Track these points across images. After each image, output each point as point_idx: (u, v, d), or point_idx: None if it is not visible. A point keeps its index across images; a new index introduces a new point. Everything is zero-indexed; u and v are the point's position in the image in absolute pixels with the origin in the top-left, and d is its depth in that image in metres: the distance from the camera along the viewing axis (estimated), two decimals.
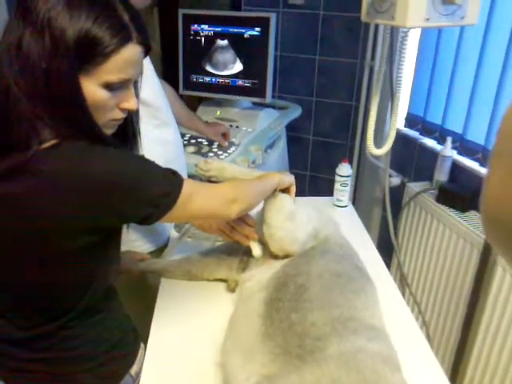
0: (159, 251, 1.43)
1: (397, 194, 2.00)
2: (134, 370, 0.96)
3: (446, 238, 1.68)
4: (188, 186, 0.84)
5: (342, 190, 1.64)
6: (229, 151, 2.01)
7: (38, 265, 0.78)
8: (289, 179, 1.20)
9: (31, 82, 0.69)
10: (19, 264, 0.78)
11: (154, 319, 1.12)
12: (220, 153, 2.00)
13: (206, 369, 0.98)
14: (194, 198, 0.86)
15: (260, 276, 1.09)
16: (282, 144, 2.39)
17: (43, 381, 0.87)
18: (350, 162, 1.64)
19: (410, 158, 2.03)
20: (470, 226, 1.57)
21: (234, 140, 2.09)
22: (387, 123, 2.12)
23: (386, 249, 2.01)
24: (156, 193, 0.80)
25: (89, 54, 0.71)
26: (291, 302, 0.91)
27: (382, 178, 2.25)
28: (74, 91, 0.72)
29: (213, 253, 1.29)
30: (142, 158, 0.81)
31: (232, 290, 1.21)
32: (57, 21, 0.68)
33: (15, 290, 0.82)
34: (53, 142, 0.72)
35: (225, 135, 2.05)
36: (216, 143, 2.05)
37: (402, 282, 1.93)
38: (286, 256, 1.11)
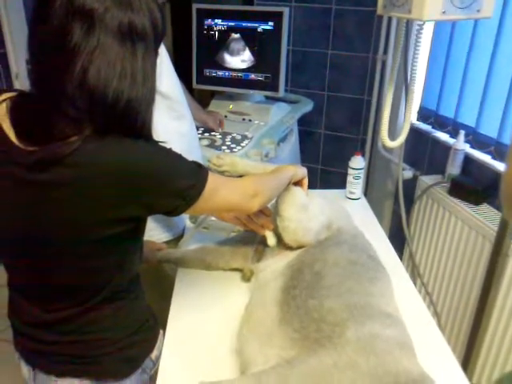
0: (175, 241, 1.46)
1: (409, 187, 2.01)
2: (154, 355, 0.99)
3: (458, 230, 1.69)
4: (212, 180, 0.87)
5: (355, 183, 1.66)
6: (242, 144, 2.03)
7: (66, 252, 0.81)
8: (302, 172, 1.22)
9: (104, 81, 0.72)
10: (49, 251, 0.81)
11: (171, 307, 1.15)
12: (233, 146, 2.02)
13: (222, 354, 1.00)
14: (218, 192, 0.88)
15: (275, 265, 1.11)
16: (294, 138, 2.41)
17: (66, 363, 0.90)
18: (362, 156, 1.66)
19: (423, 152, 2.04)
20: (482, 219, 1.58)
21: (246, 133, 2.11)
22: (400, 116, 2.12)
23: (398, 241, 2.02)
24: (183, 185, 0.82)
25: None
26: (308, 288, 0.93)
27: (393, 171, 2.27)
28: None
29: (228, 243, 1.32)
30: (170, 150, 0.83)
31: (247, 279, 1.24)
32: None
33: (44, 275, 0.85)
34: (88, 135, 0.74)
35: (221, 123, 2.19)
36: (229, 136, 2.08)
37: (414, 273, 1.94)
38: (300, 247, 1.13)
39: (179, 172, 0.83)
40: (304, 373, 0.75)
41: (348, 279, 0.95)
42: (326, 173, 2.72)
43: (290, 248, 1.15)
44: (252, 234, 1.30)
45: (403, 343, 0.82)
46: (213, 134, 2.11)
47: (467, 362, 1.59)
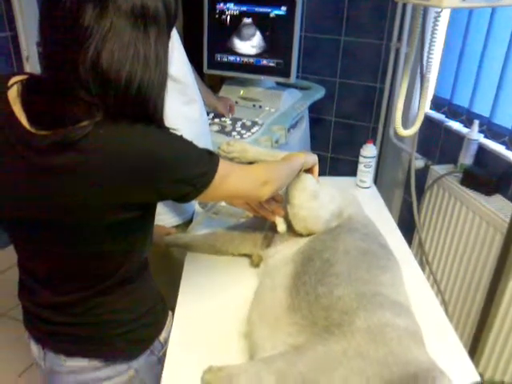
0: (184, 226, 1.46)
1: (420, 176, 1.99)
2: (162, 337, 1.00)
3: (469, 220, 1.68)
4: (223, 167, 0.86)
5: (366, 171, 1.65)
6: (252, 130, 2.02)
7: (77, 237, 0.81)
8: (313, 159, 1.21)
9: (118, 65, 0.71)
10: (62, 234, 0.81)
11: (180, 290, 1.16)
12: (243, 132, 2.01)
13: (230, 338, 1.01)
14: (229, 179, 0.88)
15: (284, 252, 1.11)
16: (305, 125, 2.39)
17: (75, 343, 0.91)
18: (374, 144, 1.64)
19: (435, 141, 2.02)
20: (494, 210, 1.57)
21: (257, 119, 2.10)
22: (413, 105, 2.10)
23: (407, 230, 2.00)
24: (194, 172, 0.82)
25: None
26: (317, 275, 0.93)
27: (404, 161, 2.25)
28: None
29: (238, 228, 1.32)
30: (182, 137, 0.83)
31: (256, 265, 1.24)
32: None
33: (55, 258, 0.85)
34: (100, 120, 0.74)
35: (231, 108, 2.18)
36: (239, 122, 2.06)
37: (423, 261, 1.93)
38: (310, 234, 1.13)
39: (190, 159, 0.82)
40: (312, 360, 0.75)
41: (358, 268, 0.95)
42: (335, 160, 2.70)
43: (299, 235, 1.14)
44: (262, 220, 1.29)
45: (413, 333, 0.81)
46: (223, 119, 2.10)
47: (474, 351, 1.58)
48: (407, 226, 2.05)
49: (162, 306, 1.03)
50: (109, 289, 0.88)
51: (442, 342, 0.97)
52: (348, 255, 0.98)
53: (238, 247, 1.28)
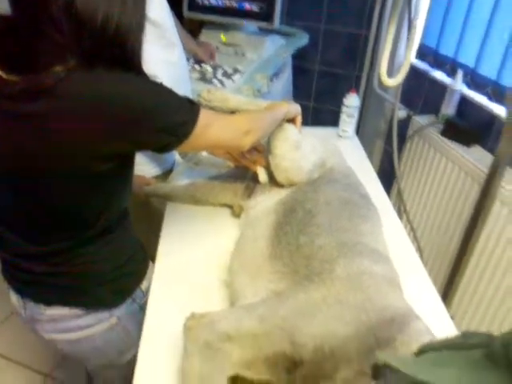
0: (164, 176, 1.44)
1: (402, 126, 1.99)
2: (144, 286, 1.00)
3: (448, 171, 1.70)
4: (205, 116, 0.84)
5: (348, 121, 1.63)
6: (233, 78, 1.96)
7: (54, 187, 0.79)
8: (295, 109, 1.19)
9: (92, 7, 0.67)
10: (38, 184, 0.79)
11: (161, 241, 1.16)
12: (225, 80, 1.95)
13: (212, 286, 1.02)
14: (210, 128, 0.86)
15: (266, 203, 1.11)
16: (288, 73, 2.33)
17: (56, 293, 0.91)
18: (356, 94, 1.62)
19: (418, 91, 2.00)
20: (473, 161, 1.58)
21: (238, 67, 2.03)
22: (398, 53, 2.06)
23: (387, 180, 2.02)
24: (175, 121, 0.80)
25: None
26: (299, 225, 0.93)
27: (387, 111, 2.23)
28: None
29: (218, 178, 1.31)
30: (161, 85, 0.79)
31: (237, 215, 1.24)
32: None
33: (33, 210, 0.83)
34: (74, 65, 0.70)
35: (212, 54, 2.11)
36: (220, 69, 2.00)
37: (401, 210, 1.96)
38: (292, 185, 1.12)
39: (170, 107, 0.79)
40: (293, 306, 0.76)
41: (339, 217, 0.95)
42: (318, 110, 2.66)
43: (281, 186, 1.14)
44: (243, 171, 1.28)
45: (390, 279, 0.83)
46: (203, 66, 2.03)
47: (446, 295, 1.65)
48: (387, 176, 2.07)
49: (142, 255, 1.03)
50: (89, 239, 0.87)
51: (416, 287, 1.00)
52: (329, 206, 0.98)
53: (219, 197, 1.28)
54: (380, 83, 2.13)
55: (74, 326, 0.93)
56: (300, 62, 2.50)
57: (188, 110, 0.82)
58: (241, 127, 0.95)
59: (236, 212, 1.24)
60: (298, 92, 2.54)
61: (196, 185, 1.31)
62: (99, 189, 0.82)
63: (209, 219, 1.26)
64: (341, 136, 1.66)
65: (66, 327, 0.94)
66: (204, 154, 1.41)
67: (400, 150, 1.98)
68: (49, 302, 0.91)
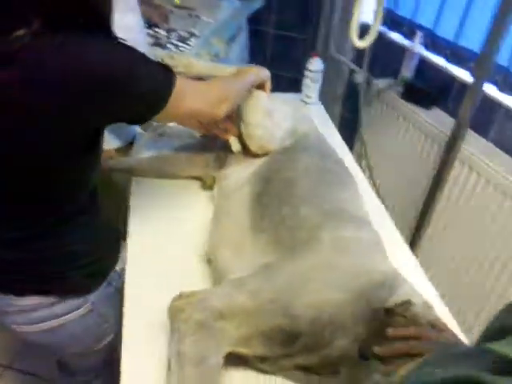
0: (125, 148, 1.36)
1: (361, 90, 1.98)
2: (118, 267, 0.95)
3: (409, 133, 1.72)
4: (180, 83, 0.78)
5: (312, 87, 1.61)
6: (189, 43, 1.87)
7: (21, 166, 0.71)
8: (264, 74, 1.16)
9: None
10: (5, 163, 0.71)
11: (130, 220, 1.10)
12: (180, 44, 1.85)
13: (189, 264, 0.99)
14: (185, 97, 0.80)
15: (240, 173, 1.07)
16: (243, 37, 2.26)
17: (27, 281, 0.85)
18: (320, 57, 1.59)
19: (376, 54, 1.99)
20: (432, 123, 1.61)
21: (193, 30, 1.94)
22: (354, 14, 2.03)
23: (348, 144, 2.04)
24: (150, 90, 0.74)
25: None
26: (280, 196, 0.91)
27: (344, 75, 2.22)
28: None
29: (186, 150, 1.25)
30: (134, 49, 0.72)
31: (208, 187, 1.20)
32: None
33: (7, 189, 0.75)
34: (39, 28, 0.62)
35: (165, 18, 2.00)
36: (175, 34, 1.90)
37: (363, 169, 1.98)
38: (265, 154, 1.09)
39: (144, 75, 0.73)
40: (283, 278, 0.74)
41: (319, 186, 0.94)
42: (274, 77, 2.60)
43: (254, 155, 1.11)
44: (211, 140, 1.24)
45: (376, 244, 0.84)
46: (156, 30, 1.92)
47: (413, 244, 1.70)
48: (347, 141, 2.07)
49: (115, 236, 0.98)
50: (63, 221, 0.81)
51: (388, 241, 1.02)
52: (308, 174, 0.97)
53: (188, 170, 1.23)
54: (334, 47, 2.11)
55: (49, 315, 0.88)
56: (255, 25, 2.42)
57: (163, 76, 0.76)
58: (215, 95, 0.90)
59: (207, 184, 1.20)
60: (254, 57, 2.48)
61: (162, 157, 1.25)
62: (70, 167, 0.76)
63: (178, 193, 1.21)
64: (305, 102, 1.63)
65: (39, 317, 0.88)
66: (170, 124, 1.34)
67: (359, 113, 1.98)
68: (20, 292, 0.84)
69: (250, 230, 0.88)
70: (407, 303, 0.70)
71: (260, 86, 1.15)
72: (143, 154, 1.31)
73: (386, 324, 0.68)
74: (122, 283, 0.94)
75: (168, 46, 1.84)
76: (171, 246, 1.04)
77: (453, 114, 1.60)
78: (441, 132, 1.56)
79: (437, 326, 0.70)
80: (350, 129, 2.01)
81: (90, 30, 0.66)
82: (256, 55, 2.51)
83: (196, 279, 0.96)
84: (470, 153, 1.44)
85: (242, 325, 0.71)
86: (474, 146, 1.45)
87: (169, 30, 1.91)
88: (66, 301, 0.88)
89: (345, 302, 0.71)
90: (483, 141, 1.47)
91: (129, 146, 1.37)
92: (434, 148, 1.62)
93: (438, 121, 1.61)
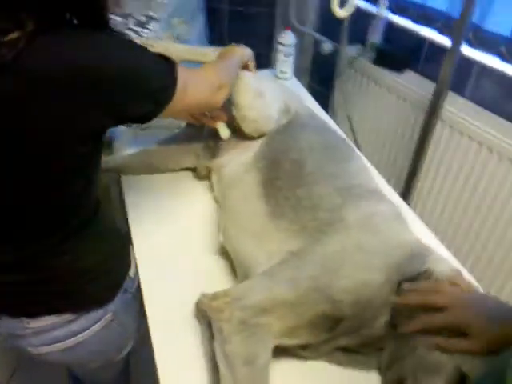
0: (106, 146, 1.29)
1: (329, 60, 1.96)
2: (132, 272, 0.91)
3: (386, 99, 1.73)
4: (181, 75, 0.74)
5: (286, 61, 1.58)
6: (149, 27, 1.78)
7: (30, 179, 0.66)
8: (248, 53, 1.12)
9: None
10: (12, 178, 0.65)
11: (130, 220, 1.05)
12: (139, 30, 1.76)
13: (203, 257, 0.96)
14: (188, 89, 0.76)
15: (240, 159, 1.04)
16: (202, 16, 2.18)
17: (41, 302, 0.79)
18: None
19: (340, 22, 1.97)
20: (409, 85, 1.62)
21: (151, 14, 1.84)
22: None
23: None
24: (155, 86, 0.70)
25: None
26: (291, 178, 0.88)
27: (309, 46, 2.19)
28: None
29: (174, 141, 1.20)
30: (135, 43, 0.67)
31: (203, 177, 1.16)
32: None
33: (7, 211, 0.69)
34: (34, 29, 0.56)
35: (118, 2, 1.86)
36: (131, 19, 1.80)
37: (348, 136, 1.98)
38: (261, 136, 1.06)
39: (149, 70, 0.69)
40: (316, 263, 0.73)
41: (327, 163, 0.92)
42: None
43: (249, 139, 1.07)
44: (197, 129, 1.19)
45: (397, 215, 0.83)
46: (112, 17, 1.81)
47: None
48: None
49: (122, 242, 0.93)
50: (68, 237, 0.76)
51: None
52: (314, 152, 0.95)
53: (180, 161, 1.18)
54: (296, 18, 2.07)
55: (67, 333, 0.83)
56: (209, 3, 2.34)
57: (166, 69, 0.72)
58: (213, 82, 0.86)
59: (202, 173, 1.16)
60: (213, 36, 2.40)
61: (150, 152, 1.20)
62: (78, 175, 0.70)
63: (173, 187, 1.16)
64: (280, 77, 1.60)
65: (57, 337, 0.82)
66: None
67: (332, 84, 1.97)
68: (32, 314, 0.79)
69: (268, 216, 0.85)
70: (427, 271, 0.71)
71: (244, 66, 1.11)
72: (127, 150, 1.25)
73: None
74: (138, 287, 0.90)
75: (127, 32, 1.74)
76: (180, 243, 1.00)
77: (425, 74, 1.62)
78: (418, 95, 1.58)
79: (456, 284, 0.71)
80: (321, 102, 2.00)
81: (88, 27, 0.61)
82: (215, 34, 2.44)
83: (212, 273, 0.93)
84: (450, 112, 1.47)
85: (285, 317, 0.69)
86: (453, 105, 1.47)
87: (124, 16, 1.81)
88: (84, 316, 0.83)
89: (382, 281, 0.70)
90: (461, 99, 1.49)
91: (108, 143, 1.30)
92: (413, 111, 1.63)
93: (413, 83, 1.62)
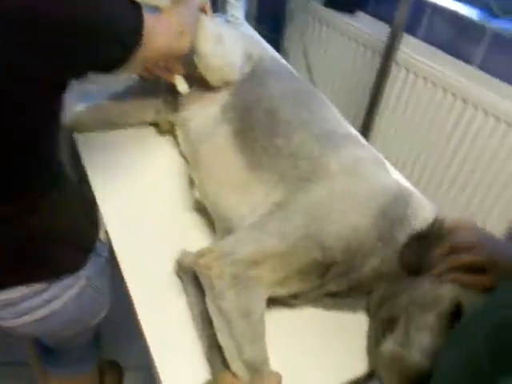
0: None
1: (277, 4, 1.90)
2: (102, 236, 0.86)
3: (339, 42, 1.71)
4: (146, 18, 0.68)
5: (237, 6, 1.50)
6: None
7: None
8: None
9: None
10: None
11: (92, 180, 0.98)
12: None
13: (174, 213, 0.93)
14: (154, 32, 0.70)
15: (206, 111, 0.99)
16: None
17: (12, 270, 0.74)
18: None
19: None
20: (361, 28, 1.60)
21: None
22: None
23: None
24: (123, 28, 0.64)
25: None
26: (266, 128, 0.85)
27: None
28: None
29: (129, 96, 1.12)
30: None
31: (166, 131, 1.11)
32: None
33: None
34: None
35: None
36: None
37: None
38: (226, 85, 1.01)
39: (117, 10, 0.62)
40: (304, 211, 0.72)
41: (300, 110, 0.89)
42: None
43: (213, 89, 1.02)
44: (152, 83, 1.12)
45: (376, 160, 0.83)
46: None
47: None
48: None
49: (88, 204, 0.87)
50: (36, 198, 0.70)
51: None
52: (284, 99, 0.91)
53: (140, 116, 1.11)
54: None
55: (40, 303, 0.77)
56: None
57: (133, 12, 0.66)
58: (176, 28, 0.80)
59: (164, 128, 1.10)
60: None
61: (104, 108, 1.12)
62: (40, 132, 0.65)
63: (135, 143, 1.09)
64: (232, 23, 1.53)
65: (28, 307, 0.77)
66: None
67: (282, 31, 1.92)
68: (2, 285, 0.73)
69: (246, 168, 0.82)
70: (438, 221, 0.72)
71: (200, 10, 1.04)
72: (77, 107, 1.15)
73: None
74: (110, 252, 0.86)
75: None
76: (148, 200, 0.96)
77: (378, 16, 1.61)
78: (372, 37, 1.57)
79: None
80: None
81: None
82: None
83: (187, 229, 0.90)
84: (404, 54, 1.47)
85: (276, 267, 0.68)
86: (407, 46, 1.48)
87: None
88: (56, 284, 0.78)
89: (370, 225, 0.71)
90: (415, 40, 1.50)
91: None
92: (367, 54, 1.63)
93: (366, 25, 1.61)
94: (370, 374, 0.70)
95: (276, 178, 0.79)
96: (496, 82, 1.36)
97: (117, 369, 1.44)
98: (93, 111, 1.11)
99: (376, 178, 0.77)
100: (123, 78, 1.21)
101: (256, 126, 0.87)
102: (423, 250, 0.70)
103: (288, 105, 0.90)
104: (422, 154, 1.57)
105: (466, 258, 0.66)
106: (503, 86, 1.35)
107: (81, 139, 1.09)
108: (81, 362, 1.07)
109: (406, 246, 0.71)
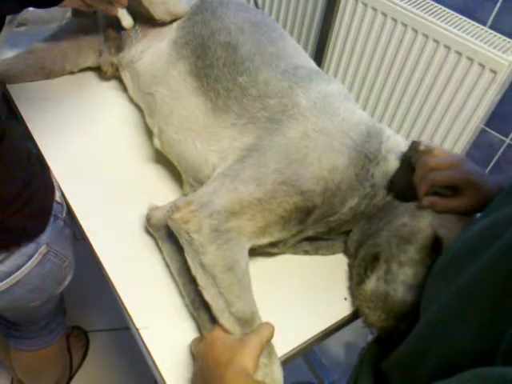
0: None
1: None
2: (57, 196, 0.79)
3: None
4: None
5: None
6: None
7: None
8: None
9: None
10: None
11: (36, 138, 0.88)
12: None
13: (135, 167, 0.86)
14: None
15: (155, 49, 0.90)
16: None
17: None
18: None
19: None
20: None
21: None
22: None
23: None
24: None
25: None
26: (227, 65, 0.78)
27: None
28: None
29: (66, 37, 1.00)
30: None
31: (110, 76, 1.01)
32: None
33: None
34: None
35: None
36: None
37: None
38: (174, 19, 0.92)
39: None
40: (278, 154, 0.67)
41: (262, 43, 0.82)
42: None
43: (159, 24, 0.92)
44: (90, 19, 1.00)
45: (346, 94, 0.78)
46: None
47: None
48: None
49: (38, 163, 0.78)
50: None
51: None
52: (244, 32, 0.83)
53: (78, 61, 1.00)
54: None
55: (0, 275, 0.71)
56: None
57: None
58: None
59: (108, 72, 1.00)
60: None
61: (38, 52, 0.99)
62: None
63: (76, 91, 0.99)
64: None
65: None
66: (30, 9, 1.03)
67: None
68: None
69: (210, 112, 0.76)
70: (428, 148, 0.70)
71: None
72: (7, 54, 1.02)
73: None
74: (67, 214, 0.79)
75: None
76: (101, 154, 0.88)
77: None
78: None
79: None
80: None
81: None
82: None
83: (151, 183, 0.84)
84: None
85: (256, 216, 0.65)
86: None
87: None
88: (15, 253, 0.71)
89: (346, 163, 0.68)
90: None
91: None
92: None
93: None
94: (354, 314, 0.70)
95: (244, 122, 0.73)
96: (447, 9, 1.35)
97: (82, 334, 1.40)
98: (24, 58, 0.98)
99: (348, 113, 0.73)
100: (57, 17, 1.08)
101: (215, 63, 0.79)
102: (410, 173, 0.69)
103: (248, 38, 0.82)
104: (375, 86, 1.55)
105: (443, 175, 0.66)
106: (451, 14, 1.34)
107: (15, 92, 0.97)
108: (48, 331, 1.02)
109: (395, 172, 0.70)
